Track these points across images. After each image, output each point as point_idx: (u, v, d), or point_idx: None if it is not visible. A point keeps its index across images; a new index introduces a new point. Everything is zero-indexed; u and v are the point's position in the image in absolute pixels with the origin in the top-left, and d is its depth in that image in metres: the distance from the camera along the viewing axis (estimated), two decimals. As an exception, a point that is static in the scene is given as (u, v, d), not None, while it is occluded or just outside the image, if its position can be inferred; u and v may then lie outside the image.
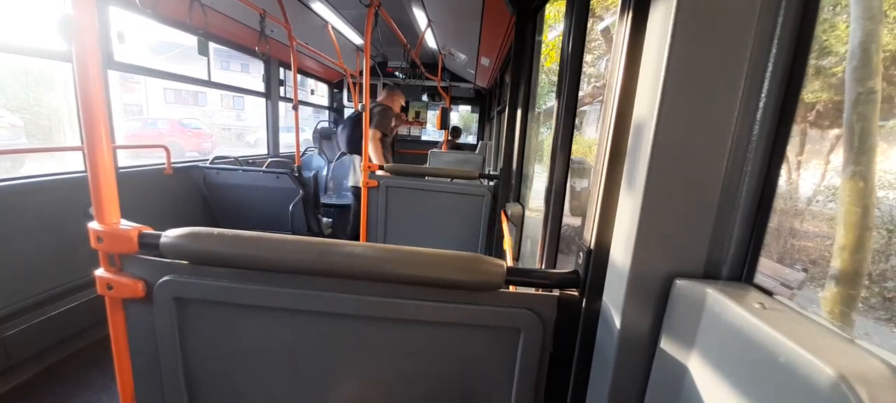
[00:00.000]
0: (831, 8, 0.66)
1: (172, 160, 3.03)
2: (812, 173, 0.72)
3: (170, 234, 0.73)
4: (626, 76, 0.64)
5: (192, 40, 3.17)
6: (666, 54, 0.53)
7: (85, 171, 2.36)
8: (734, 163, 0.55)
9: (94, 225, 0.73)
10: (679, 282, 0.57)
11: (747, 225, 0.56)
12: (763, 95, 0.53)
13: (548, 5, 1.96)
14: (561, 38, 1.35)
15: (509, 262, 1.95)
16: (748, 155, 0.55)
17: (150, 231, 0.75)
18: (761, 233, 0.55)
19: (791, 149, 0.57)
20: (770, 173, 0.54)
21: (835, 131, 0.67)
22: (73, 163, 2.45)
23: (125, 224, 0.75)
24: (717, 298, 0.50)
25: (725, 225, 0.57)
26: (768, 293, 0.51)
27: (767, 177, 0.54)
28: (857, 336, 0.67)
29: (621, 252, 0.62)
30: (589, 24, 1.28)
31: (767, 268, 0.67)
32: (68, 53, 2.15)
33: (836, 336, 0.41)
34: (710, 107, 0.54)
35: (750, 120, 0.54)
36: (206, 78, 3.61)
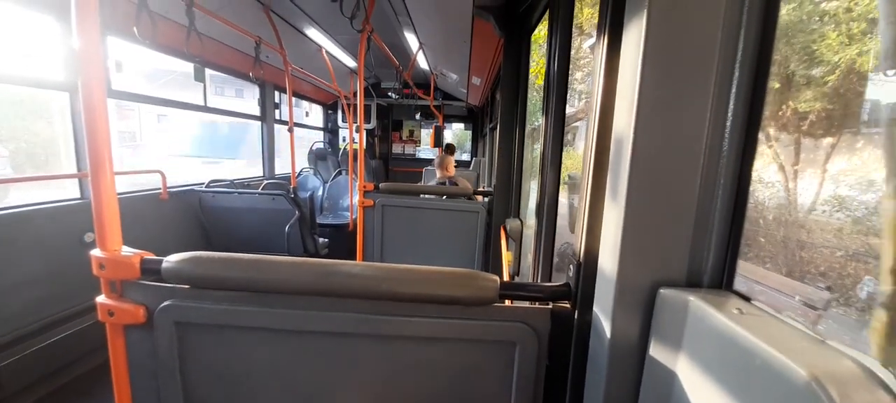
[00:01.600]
0: (796, 17, 0.68)
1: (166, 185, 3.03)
2: (800, 181, 0.69)
3: (171, 259, 0.75)
4: (605, 97, 0.68)
5: (185, 66, 3.22)
6: (638, 77, 0.57)
7: (80, 198, 2.35)
8: (707, 177, 0.58)
9: (96, 252, 0.74)
10: (663, 291, 0.59)
11: (724, 235, 0.59)
12: (729, 113, 0.57)
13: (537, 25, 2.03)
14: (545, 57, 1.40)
15: (507, 277, 1.96)
16: (720, 169, 0.58)
17: (151, 256, 0.77)
18: (737, 242, 0.58)
19: (788, 160, 0.58)
20: (741, 185, 0.58)
21: (807, 139, 0.68)
22: (51, 192, 2.40)
23: (127, 250, 0.76)
24: (698, 305, 0.53)
25: (703, 236, 0.60)
26: (746, 299, 0.54)
27: (739, 189, 0.58)
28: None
29: (608, 263, 0.65)
30: (578, 43, 1.33)
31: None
32: (65, 83, 2.18)
33: (809, 337, 0.43)
34: (682, 125, 0.57)
35: (719, 135, 0.58)
36: (202, 103, 3.65)
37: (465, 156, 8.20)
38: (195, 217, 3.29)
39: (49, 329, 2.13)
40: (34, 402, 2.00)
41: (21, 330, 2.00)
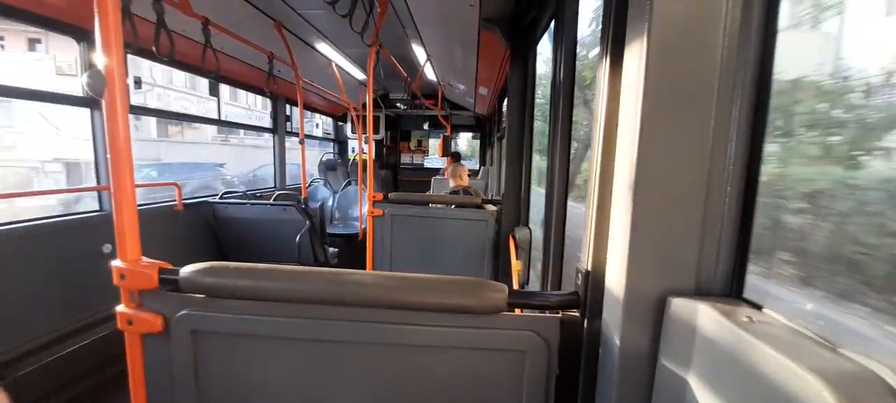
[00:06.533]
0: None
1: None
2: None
3: (188, 269, 0.77)
4: (609, 105, 0.68)
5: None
6: (642, 84, 0.57)
7: (99, 211, 2.43)
8: (715, 184, 0.59)
9: (116, 262, 0.77)
10: (673, 300, 0.59)
11: (732, 243, 0.58)
12: (734, 119, 0.57)
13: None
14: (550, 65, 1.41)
15: (516, 286, 1.95)
16: (726, 175, 0.58)
17: (169, 267, 0.79)
18: (746, 249, 0.58)
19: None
20: (749, 191, 0.57)
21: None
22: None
23: (145, 261, 0.79)
24: (708, 314, 0.52)
25: (712, 244, 0.59)
26: (757, 307, 0.54)
27: (747, 196, 0.58)
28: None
29: (616, 272, 0.65)
30: (588, 51, 1.34)
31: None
32: (87, 99, 2.27)
33: (822, 345, 0.43)
34: (687, 133, 0.58)
35: (724, 141, 0.58)
36: (216, 117, 3.74)
37: (471, 163, 8.20)
38: (209, 227, 3.35)
39: (69, 337, 2.18)
40: None
41: (42, 338, 2.05)
